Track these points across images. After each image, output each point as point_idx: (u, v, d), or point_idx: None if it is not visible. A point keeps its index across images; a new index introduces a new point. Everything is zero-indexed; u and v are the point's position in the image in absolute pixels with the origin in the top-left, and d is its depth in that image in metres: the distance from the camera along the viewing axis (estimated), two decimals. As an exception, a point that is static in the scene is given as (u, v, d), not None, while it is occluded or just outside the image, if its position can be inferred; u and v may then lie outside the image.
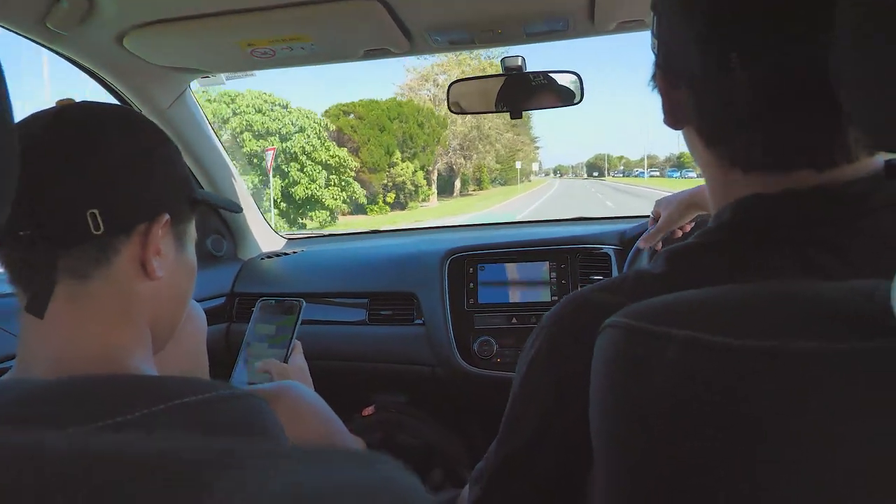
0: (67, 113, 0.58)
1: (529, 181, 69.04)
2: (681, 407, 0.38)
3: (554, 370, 0.55)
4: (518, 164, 58.68)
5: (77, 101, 0.61)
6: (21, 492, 0.23)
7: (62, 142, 0.55)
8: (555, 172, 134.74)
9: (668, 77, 0.55)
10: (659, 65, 0.56)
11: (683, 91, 0.53)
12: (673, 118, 0.57)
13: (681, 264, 0.52)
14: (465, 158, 42.41)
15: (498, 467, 0.60)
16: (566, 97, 1.46)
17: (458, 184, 44.01)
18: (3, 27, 1.09)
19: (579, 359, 0.48)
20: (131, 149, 0.59)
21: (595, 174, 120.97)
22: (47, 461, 0.24)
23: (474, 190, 48.88)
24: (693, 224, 1.17)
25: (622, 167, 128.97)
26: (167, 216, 0.60)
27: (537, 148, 78.94)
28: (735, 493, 0.35)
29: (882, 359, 0.33)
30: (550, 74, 1.47)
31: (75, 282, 0.55)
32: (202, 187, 1.79)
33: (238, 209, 0.83)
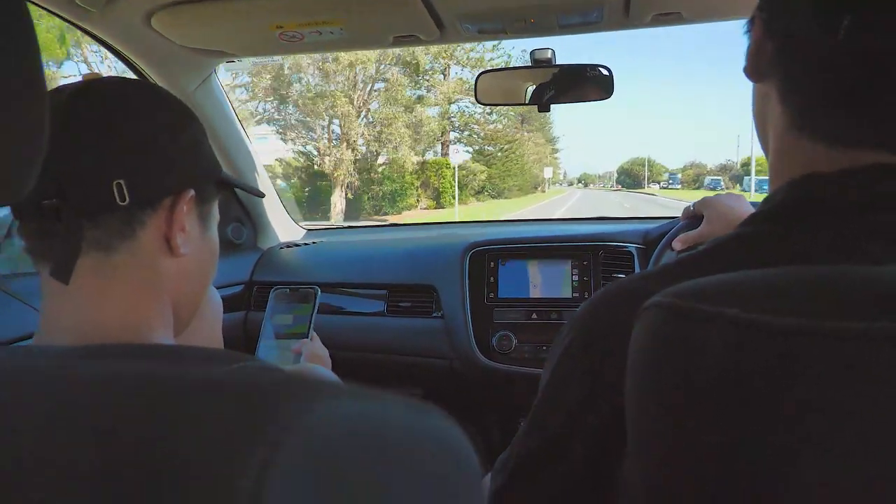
0: (95, 85, 0.57)
1: (542, 192, 55.81)
2: (730, 386, 0.36)
3: (588, 360, 0.54)
4: (548, 172, 51.33)
5: (104, 76, 0.60)
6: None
7: (89, 112, 0.55)
8: (579, 181, 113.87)
9: (768, 23, 0.51)
10: (762, 7, 0.52)
11: (778, 41, 0.50)
12: (756, 67, 0.53)
13: (724, 253, 0.50)
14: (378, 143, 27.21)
15: (525, 457, 0.59)
16: (596, 92, 1.44)
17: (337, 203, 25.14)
18: (32, 2, 1.08)
19: (615, 348, 0.46)
20: (158, 123, 0.59)
21: (630, 183, 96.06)
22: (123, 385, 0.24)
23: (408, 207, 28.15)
24: None
25: (667, 178, 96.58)
26: (192, 192, 0.60)
27: (556, 150, 65.03)
28: (781, 474, 0.34)
29: None
30: (580, 68, 1.45)
31: (100, 254, 0.55)
32: (224, 173, 1.79)
33: (261, 194, 0.83)
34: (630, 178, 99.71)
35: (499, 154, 39.14)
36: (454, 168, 29.48)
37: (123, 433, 0.25)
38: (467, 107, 33.25)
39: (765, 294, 0.38)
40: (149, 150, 0.57)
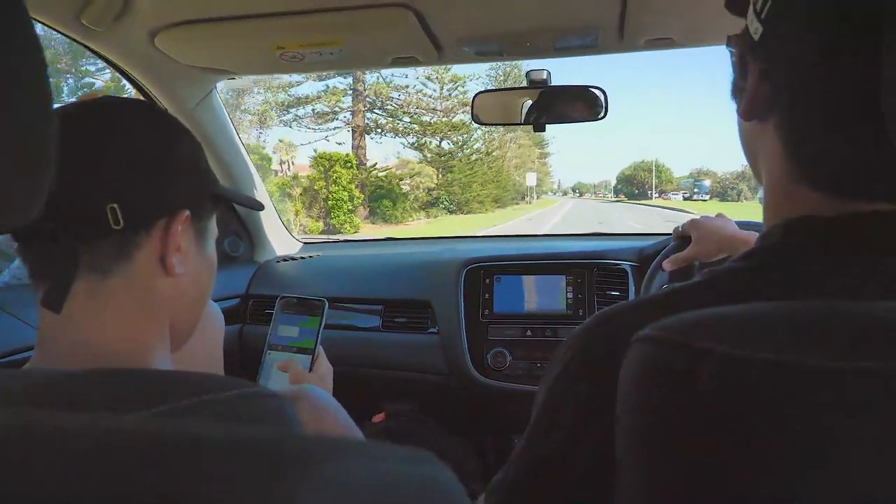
0: (90, 106, 0.58)
1: (528, 203, 47.30)
2: (716, 421, 0.37)
3: (581, 386, 0.55)
4: (532, 179, 41.72)
5: (100, 95, 0.61)
6: (89, 474, 0.23)
7: (83, 135, 0.55)
8: (574, 190, 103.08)
9: (764, 61, 0.51)
10: (754, 46, 0.51)
11: (780, 78, 0.49)
12: (753, 107, 0.53)
13: (720, 286, 0.51)
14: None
15: (519, 480, 0.59)
16: (591, 112, 1.46)
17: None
18: (38, 22, 1.10)
19: (608, 376, 0.47)
20: (153, 144, 0.58)
21: (634, 193, 79.10)
22: (110, 444, 0.24)
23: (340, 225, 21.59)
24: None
25: (691, 184, 76.09)
26: (187, 212, 0.59)
27: (545, 155, 56.49)
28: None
29: None
30: (575, 88, 1.47)
31: (95, 277, 0.55)
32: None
33: (260, 206, 0.83)
34: (633, 186, 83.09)
35: (459, 154, 31.34)
36: (357, 167, 22.01)
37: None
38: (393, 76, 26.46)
39: (752, 330, 0.39)
40: (143, 171, 0.56)
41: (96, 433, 0.25)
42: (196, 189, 0.63)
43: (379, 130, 29.48)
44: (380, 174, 27.75)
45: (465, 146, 31.95)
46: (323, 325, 1.13)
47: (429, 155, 31.16)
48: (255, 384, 0.50)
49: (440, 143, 31.23)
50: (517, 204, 44.30)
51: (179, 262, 0.59)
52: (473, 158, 32.59)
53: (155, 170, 0.57)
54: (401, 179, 28.31)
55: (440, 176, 30.81)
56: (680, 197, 69.98)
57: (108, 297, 0.55)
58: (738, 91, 0.55)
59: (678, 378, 0.40)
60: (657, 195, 76.66)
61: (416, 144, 30.44)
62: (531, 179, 41.62)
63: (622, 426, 0.45)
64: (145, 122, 0.60)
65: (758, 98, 0.52)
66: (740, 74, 0.54)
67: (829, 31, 0.45)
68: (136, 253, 0.56)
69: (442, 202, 30.34)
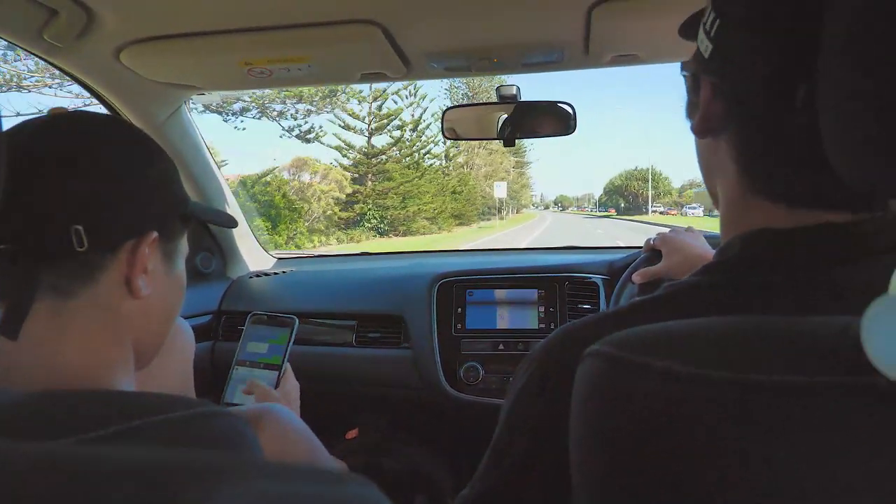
0: (57, 123, 0.56)
1: (500, 219, 40.49)
2: (655, 437, 0.38)
3: (540, 403, 0.55)
4: (501, 190, 33.74)
5: (70, 110, 0.59)
6: None
7: (49, 153, 0.53)
8: (556, 204, 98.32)
9: (717, 87, 0.51)
10: (705, 64, 0.52)
11: (730, 103, 0.50)
12: (706, 124, 0.54)
13: (678, 301, 0.51)
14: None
15: (483, 494, 0.60)
16: (560, 127, 1.48)
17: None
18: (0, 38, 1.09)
19: (565, 392, 0.47)
20: (121, 163, 0.57)
21: (626, 207, 72.70)
22: (14, 473, 0.24)
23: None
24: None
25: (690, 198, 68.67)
26: (156, 234, 0.58)
27: (522, 164, 52.48)
28: None
29: (856, 394, 0.34)
30: (544, 104, 1.49)
31: (57, 299, 0.53)
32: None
33: (233, 224, 0.82)
34: (624, 198, 75.63)
35: (399, 153, 24.29)
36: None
37: None
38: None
39: (693, 346, 0.39)
40: (110, 193, 0.55)
41: (10, 461, 0.25)
42: (166, 209, 0.61)
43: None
44: (265, 178, 20.32)
45: (412, 146, 25.53)
46: (292, 342, 1.12)
47: (350, 154, 23.76)
48: (211, 404, 0.50)
49: (369, 138, 24.33)
50: (487, 220, 38.46)
51: (146, 284, 0.58)
52: (426, 164, 26.53)
53: (124, 191, 0.56)
54: (284, 186, 20.56)
55: (368, 184, 23.56)
56: (695, 212, 57.32)
57: (71, 318, 0.54)
58: (692, 109, 0.57)
59: (618, 394, 0.40)
60: (655, 209, 68.25)
61: (311, 136, 21.82)
62: (500, 190, 34.73)
63: (573, 443, 0.45)
64: (116, 140, 0.58)
65: (710, 114, 0.53)
66: (693, 92, 0.56)
67: (771, 53, 0.46)
68: (101, 275, 0.55)
69: (371, 219, 23.47)
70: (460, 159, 31.67)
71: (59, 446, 0.32)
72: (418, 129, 25.78)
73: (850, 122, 0.38)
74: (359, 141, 24.44)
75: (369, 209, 23.43)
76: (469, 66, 1.31)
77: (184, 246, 0.66)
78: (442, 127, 1.51)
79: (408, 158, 25.53)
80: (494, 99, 1.49)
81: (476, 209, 34.62)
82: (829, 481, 0.34)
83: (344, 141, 23.98)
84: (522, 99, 1.47)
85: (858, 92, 0.37)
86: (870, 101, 0.37)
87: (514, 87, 1.47)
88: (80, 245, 0.52)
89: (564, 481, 0.49)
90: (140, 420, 0.43)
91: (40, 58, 1.17)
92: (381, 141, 24.88)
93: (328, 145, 23.85)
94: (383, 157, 24.66)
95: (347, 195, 22.83)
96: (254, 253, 2.07)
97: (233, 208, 1.91)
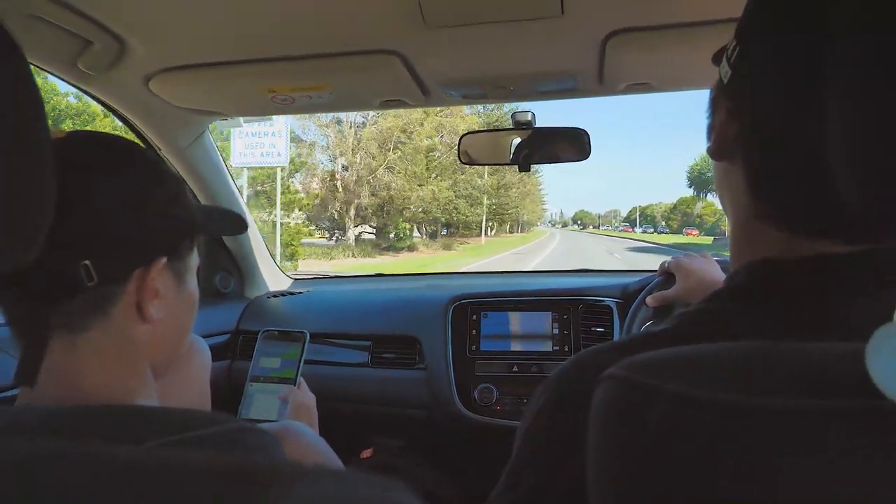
0: (60, 147, 0.51)
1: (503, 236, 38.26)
2: (667, 461, 0.39)
3: (556, 428, 0.56)
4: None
5: (68, 132, 0.56)
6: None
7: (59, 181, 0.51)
8: (574, 222, 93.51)
9: (731, 101, 0.53)
10: (723, 88, 0.54)
11: (745, 118, 0.52)
12: (720, 146, 0.55)
13: (689, 327, 0.53)
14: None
15: None
16: (574, 153, 1.50)
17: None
18: (36, 67, 1.14)
19: (581, 415, 0.48)
20: (129, 185, 0.55)
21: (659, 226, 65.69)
22: (112, 472, 0.27)
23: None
24: None
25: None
26: (164, 259, 0.57)
27: (539, 178, 49.94)
28: None
29: (862, 418, 0.35)
30: (559, 130, 1.52)
31: (70, 335, 0.52)
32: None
33: (243, 228, 0.79)
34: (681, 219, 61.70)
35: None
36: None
37: None
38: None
39: (706, 370, 0.40)
40: (116, 223, 0.53)
41: (92, 463, 0.28)
42: (174, 231, 0.60)
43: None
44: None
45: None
46: (304, 356, 1.15)
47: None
48: (238, 420, 0.51)
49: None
50: (466, 240, 33.00)
51: (158, 309, 0.57)
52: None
53: (129, 220, 0.54)
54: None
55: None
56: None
57: (84, 350, 0.53)
58: (711, 132, 0.58)
59: (630, 416, 0.41)
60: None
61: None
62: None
63: (590, 467, 0.46)
64: (121, 163, 0.56)
65: (725, 137, 0.54)
66: (712, 115, 0.58)
67: (784, 81, 0.48)
68: (112, 306, 0.54)
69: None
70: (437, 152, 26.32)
71: (145, 450, 0.35)
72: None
73: (855, 153, 0.40)
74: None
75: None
76: (486, 94, 1.34)
77: (194, 260, 0.65)
78: (458, 151, 1.54)
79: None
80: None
81: (456, 222, 29.77)
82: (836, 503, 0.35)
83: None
84: (537, 125, 1.50)
85: (861, 124, 0.39)
86: (872, 134, 0.38)
87: (529, 114, 1.50)
88: (90, 280, 0.51)
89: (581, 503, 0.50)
90: (172, 436, 0.44)
91: (74, 85, 1.22)
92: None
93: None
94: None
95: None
96: (271, 273, 2.10)
97: (251, 231, 1.94)
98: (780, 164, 0.50)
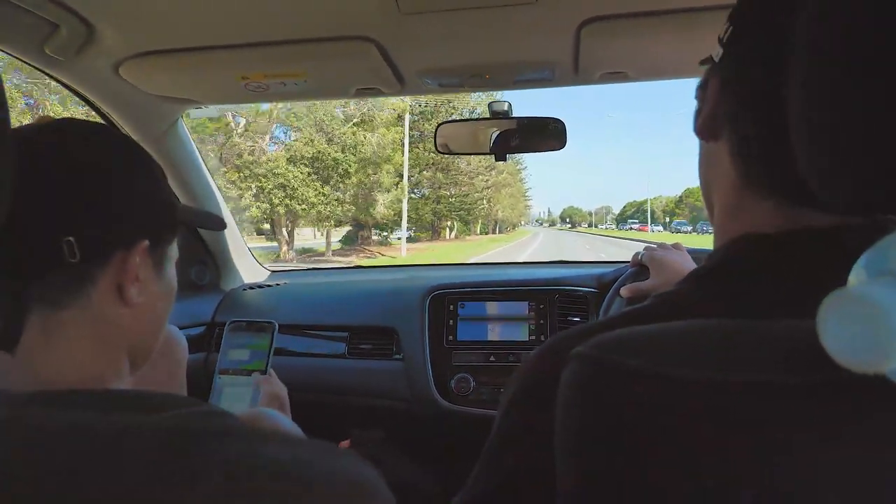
0: (46, 131, 0.56)
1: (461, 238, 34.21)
2: (631, 436, 0.39)
3: (530, 412, 0.56)
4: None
5: (55, 119, 0.59)
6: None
7: (36, 165, 0.52)
8: (562, 219, 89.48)
9: (722, 74, 0.53)
10: (714, 66, 0.55)
11: (734, 92, 0.52)
12: (712, 122, 0.55)
13: (664, 308, 0.53)
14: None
15: (473, 501, 0.61)
16: (550, 143, 1.50)
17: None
18: (1, 51, 1.11)
19: (551, 398, 0.48)
20: (112, 170, 0.57)
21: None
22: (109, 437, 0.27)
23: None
24: None
25: None
26: (147, 242, 0.58)
27: (520, 170, 46.66)
28: None
29: (825, 392, 0.35)
30: (535, 120, 1.52)
31: (48, 310, 0.53)
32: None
33: (222, 226, 0.82)
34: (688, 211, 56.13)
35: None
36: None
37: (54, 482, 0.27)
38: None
39: (665, 346, 0.41)
40: (100, 202, 0.54)
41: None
42: (155, 216, 0.61)
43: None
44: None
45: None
46: (273, 346, 1.13)
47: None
48: (209, 403, 0.51)
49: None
50: (379, 250, 27.26)
51: (138, 293, 0.57)
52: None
53: (114, 200, 0.56)
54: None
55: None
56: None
57: (62, 329, 0.54)
58: (698, 116, 0.58)
59: (590, 391, 0.42)
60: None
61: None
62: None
63: (557, 447, 0.46)
64: (105, 149, 0.58)
65: (716, 112, 0.55)
66: (702, 101, 0.58)
67: (770, 62, 0.47)
68: (92, 285, 0.55)
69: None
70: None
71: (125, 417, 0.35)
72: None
73: (815, 133, 0.40)
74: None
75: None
76: (462, 83, 1.34)
77: (173, 251, 0.67)
78: (435, 142, 1.54)
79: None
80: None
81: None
82: (797, 476, 0.35)
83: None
84: (514, 114, 1.50)
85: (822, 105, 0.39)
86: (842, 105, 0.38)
87: (506, 104, 1.50)
88: (73, 256, 0.52)
89: (552, 492, 0.51)
90: (161, 414, 0.43)
91: (41, 71, 1.20)
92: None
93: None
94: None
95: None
96: (248, 265, 2.09)
97: (227, 220, 1.92)
98: (766, 135, 0.49)
